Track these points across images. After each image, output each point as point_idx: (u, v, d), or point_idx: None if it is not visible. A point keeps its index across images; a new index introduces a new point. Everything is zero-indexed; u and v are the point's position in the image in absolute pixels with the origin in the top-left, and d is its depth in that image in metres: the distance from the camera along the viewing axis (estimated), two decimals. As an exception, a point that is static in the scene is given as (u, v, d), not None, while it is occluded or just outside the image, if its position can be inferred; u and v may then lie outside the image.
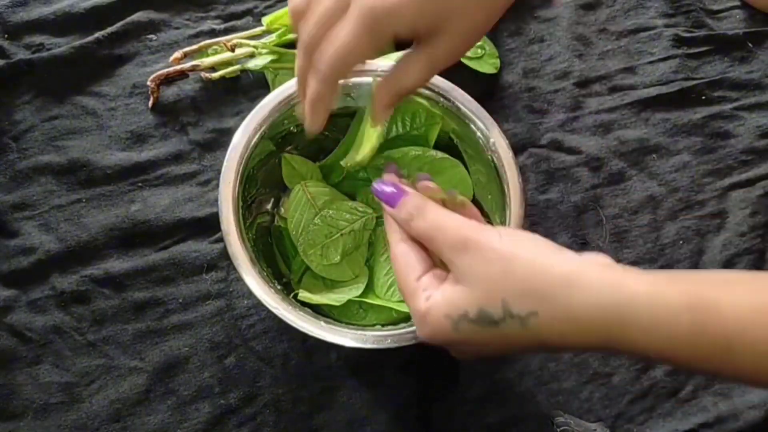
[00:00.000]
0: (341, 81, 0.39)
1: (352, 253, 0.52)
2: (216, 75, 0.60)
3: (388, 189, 0.38)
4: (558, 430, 0.50)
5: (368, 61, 0.49)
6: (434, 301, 0.34)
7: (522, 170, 0.55)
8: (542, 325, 0.31)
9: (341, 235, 0.51)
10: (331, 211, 0.52)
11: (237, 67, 0.60)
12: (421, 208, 0.36)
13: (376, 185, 0.39)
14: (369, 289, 0.52)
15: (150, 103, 0.60)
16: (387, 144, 0.54)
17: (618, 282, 0.30)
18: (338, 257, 0.51)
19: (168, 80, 0.60)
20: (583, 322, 0.30)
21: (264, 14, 0.63)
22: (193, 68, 0.60)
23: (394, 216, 0.38)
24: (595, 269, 0.31)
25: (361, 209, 0.52)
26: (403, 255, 0.37)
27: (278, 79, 0.59)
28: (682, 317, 0.29)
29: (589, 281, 0.31)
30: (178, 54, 0.60)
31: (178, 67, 0.60)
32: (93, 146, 0.58)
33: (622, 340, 0.30)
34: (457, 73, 0.62)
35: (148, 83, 0.59)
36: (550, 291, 0.31)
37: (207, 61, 0.60)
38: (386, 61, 0.49)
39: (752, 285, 0.30)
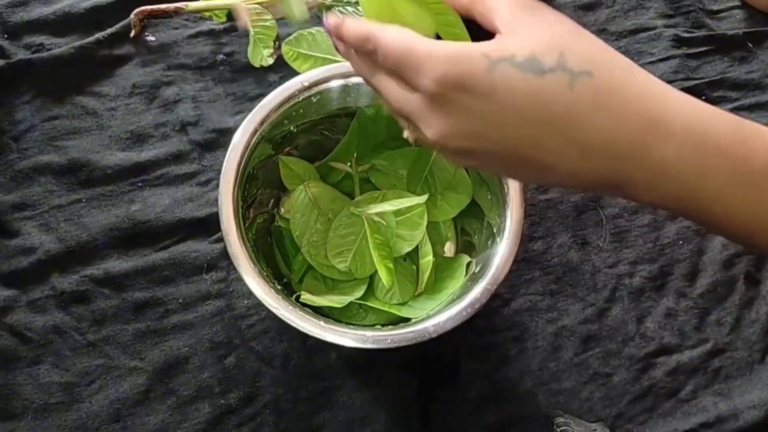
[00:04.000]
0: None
1: (355, 253, 0.52)
2: (192, 7, 0.60)
3: None
4: (558, 430, 0.50)
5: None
6: (470, 44, 0.28)
7: (522, 170, 0.55)
8: (590, 91, 0.27)
9: (345, 235, 0.51)
10: (334, 212, 0.52)
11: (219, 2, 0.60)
12: None
13: None
14: (370, 291, 0.52)
15: (132, 34, 0.61)
16: (387, 144, 0.54)
17: (672, 88, 0.29)
18: (342, 258, 0.51)
19: (152, 17, 0.61)
20: (632, 102, 0.27)
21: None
22: (177, 10, 0.60)
23: None
24: (654, 78, 0.29)
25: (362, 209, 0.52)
26: (390, 26, 0.30)
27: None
28: (725, 124, 0.28)
29: (648, 74, 0.28)
30: None
31: (162, 6, 0.60)
32: (93, 146, 0.58)
33: (659, 137, 0.27)
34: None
35: (132, 16, 0.60)
36: (612, 61, 0.28)
37: (192, 4, 0.60)
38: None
39: None
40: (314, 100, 0.49)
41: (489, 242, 0.48)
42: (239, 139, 0.47)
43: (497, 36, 0.28)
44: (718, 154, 0.28)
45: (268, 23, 0.60)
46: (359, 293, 0.51)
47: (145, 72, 0.61)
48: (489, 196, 0.50)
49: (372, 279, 0.53)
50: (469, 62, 0.27)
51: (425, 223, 0.51)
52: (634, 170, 0.28)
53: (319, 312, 0.48)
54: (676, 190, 0.28)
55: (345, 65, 0.49)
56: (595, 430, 0.51)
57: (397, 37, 0.29)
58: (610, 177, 0.28)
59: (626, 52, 0.64)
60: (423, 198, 0.50)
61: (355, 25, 0.31)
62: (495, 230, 0.47)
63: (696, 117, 0.28)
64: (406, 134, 0.35)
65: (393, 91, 0.31)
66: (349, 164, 0.55)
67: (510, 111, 0.27)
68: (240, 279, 0.45)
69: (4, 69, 0.60)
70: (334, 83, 0.49)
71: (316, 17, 0.63)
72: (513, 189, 0.46)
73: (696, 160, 0.27)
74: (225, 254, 0.53)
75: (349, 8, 0.59)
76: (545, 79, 0.27)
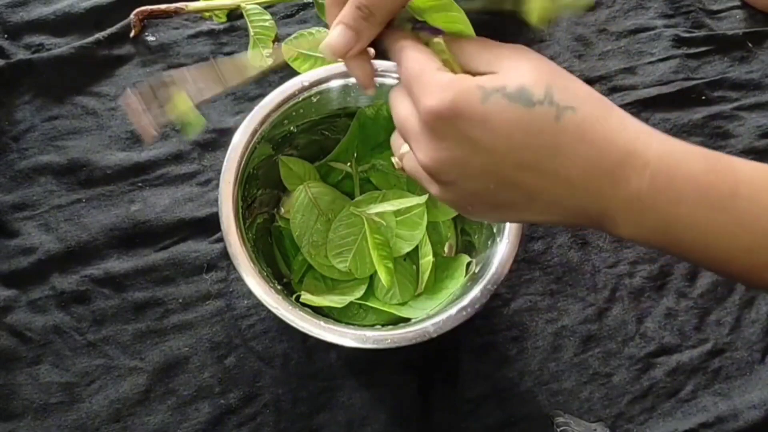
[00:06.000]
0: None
1: (355, 253, 0.52)
2: (192, 7, 0.60)
3: None
4: (558, 430, 0.50)
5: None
6: (467, 76, 0.31)
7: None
8: (574, 124, 0.29)
9: (345, 235, 0.51)
10: (334, 212, 0.52)
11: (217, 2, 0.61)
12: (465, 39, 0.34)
13: None
14: (370, 291, 0.52)
15: (132, 34, 0.61)
16: (387, 144, 0.54)
17: (646, 125, 0.30)
18: (342, 258, 0.51)
19: (152, 17, 0.61)
20: (610, 134, 0.29)
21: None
22: (177, 10, 0.60)
23: (439, 41, 0.34)
24: (630, 115, 0.31)
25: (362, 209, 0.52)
26: (420, 49, 0.33)
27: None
28: (696, 155, 0.30)
29: (626, 114, 0.30)
30: None
31: (162, 6, 0.60)
32: (93, 146, 0.58)
33: (635, 167, 0.29)
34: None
35: (132, 16, 0.61)
36: (592, 98, 0.30)
37: (192, 4, 0.60)
38: (387, 62, 0.49)
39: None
40: (314, 100, 0.49)
41: (489, 242, 0.48)
42: (239, 139, 0.47)
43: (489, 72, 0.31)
44: (689, 182, 0.29)
45: (267, 23, 0.60)
46: (359, 293, 0.51)
47: (145, 72, 0.61)
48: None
49: (372, 279, 0.53)
50: (466, 92, 0.29)
51: (425, 223, 0.51)
52: (612, 200, 0.30)
53: (319, 312, 0.48)
54: (652, 220, 0.30)
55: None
56: (595, 430, 0.51)
57: (415, 58, 0.32)
58: (589, 209, 0.30)
59: (626, 52, 0.64)
60: (423, 198, 0.50)
61: (395, 34, 0.34)
62: (495, 230, 0.47)
63: (668, 148, 0.30)
64: (395, 161, 0.37)
65: (401, 107, 0.33)
66: (349, 164, 0.55)
67: (500, 137, 0.29)
68: (240, 279, 0.45)
69: (4, 69, 0.60)
70: (334, 83, 0.49)
71: (316, 17, 0.63)
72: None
73: (668, 188, 0.29)
74: (225, 254, 0.54)
75: None
76: (534, 110, 0.29)
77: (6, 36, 0.62)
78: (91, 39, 0.61)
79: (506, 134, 0.29)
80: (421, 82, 0.31)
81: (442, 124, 0.30)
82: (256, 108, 0.48)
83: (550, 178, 0.30)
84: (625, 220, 0.30)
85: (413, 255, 0.53)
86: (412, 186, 0.54)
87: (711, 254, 0.31)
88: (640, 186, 0.29)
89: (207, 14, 0.62)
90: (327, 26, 0.60)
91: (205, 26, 0.63)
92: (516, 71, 0.30)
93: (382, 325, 0.48)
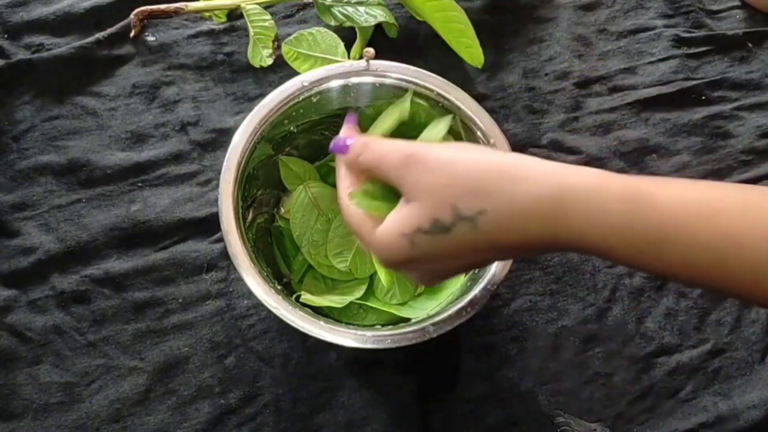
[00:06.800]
0: None
1: (355, 254, 0.52)
2: (192, 7, 0.60)
3: (341, 140, 0.39)
4: (558, 430, 0.50)
5: (370, 61, 0.49)
6: (389, 223, 0.35)
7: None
8: (491, 222, 0.31)
9: (345, 235, 0.51)
10: (334, 212, 0.52)
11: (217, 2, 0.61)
12: (366, 143, 0.38)
13: (332, 142, 0.40)
14: (370, 291, 0.52)
15: (132, 34, 0.61)
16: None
17: (560, 172, 0.31)
18: (342, 258, 0.51)
19: (152, 17, 0.61)
20: (528, 214, 0.31)
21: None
22: (177, 10, 0.60)
23: (344, 160, 0.39)
24: (537, 161, 0.32)
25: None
26: (356, 208, 0.38)
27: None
28: (615, 205, 0.30)
29: (532, 173, 0.31)
30: None
31: (162, 6, 0.60)
32: (93, 146, 0.58)
33: (565, 231, 0.31)
34: (458, 72, 0.62)
35: (132, 16, 0.61)
36: (495, 186, 0.32)
37: (192, 4, 0.60)
38: (387, 62, 0.49)
39: (690, 184, 0.31)
40: (314, 100, 0.49)
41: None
42: (239, 139, 0.47)
43: (401, 205, 0.35)
44: (613, 237, 0.30)
45: (267, 23, 0.60)
46: (359, 293, 0.51)
47: (145, 72, 0.61)
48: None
49: (372, 279, 0.53)
50: (395, 246, 0.34)
51: None
52: (554, 249, 0.33)
53: (319, 312, 0.48)
54: (598, 251, 0.31)
55: (345, 65, 0.49)
56: (595, 430, 0.51)
57: (352, 216, 0.37)
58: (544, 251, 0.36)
59: (626, 52, 0.64)
60: None
61: (344, 175, 0.39)
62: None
63: (587, 207, 0.30)
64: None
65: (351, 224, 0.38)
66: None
67: (439, 262, 0.35)
68: (240, 279, 0.45)
69: (4, 69, 0.60)
70: (334, 83, 0.49)
71: (316, 17, 0.63)
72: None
73: (597, 243, 0.31)
74: (225, 254, 0.54)
75: (349, 8, 0.59)
76: (453, 233, 0.32)
77: (6, 36, 0.62)
78: (91, 39, 0.61)
79: (447, 256, 0.34)
80: (362, 238, 0.37)
81: (400, 269, 0.37)
82: (256, 108, 0.48)
83: (503, 257, 0.41)
84: (579, 252, 0.34)
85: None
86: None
87: (668, 276, 0.32)
88: (571, 243, 0.31)
89: (207, 14, 0.62)
90: (327, 26, 0.60)
91: (205, 26, 0.63)
92: (422, 201, 0.33)
93: (382, 325, 0.48)
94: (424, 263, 0.35)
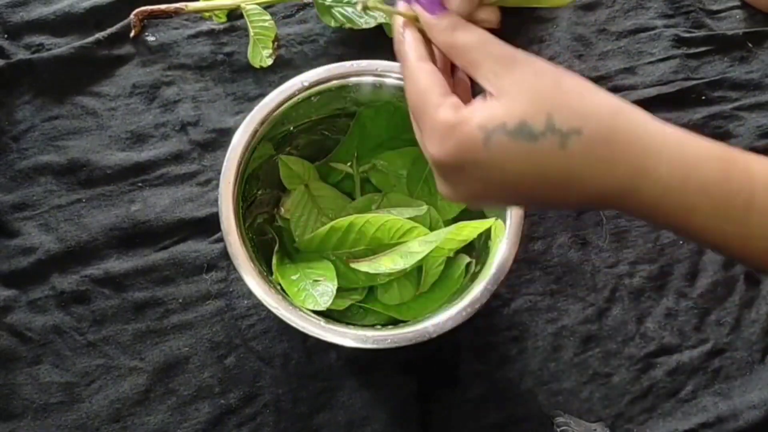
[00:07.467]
0: None
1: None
2: (192, 7, 0.60)
3: None
4: (558, 430, 0.50)
5: (369, 61, 0.49)
6: (467, 112, 0.30)
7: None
8: (581, 146, 0.29)
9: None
10: (334, 212, 0.52)
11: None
12: (467, 24, 0.32)
13: None
14: (370, 293, 0.52)
15: (132, 34, 0.61)
16: (387, 144, 0.54)
17: (658, 122, 0.30)
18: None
19: (152, 17, 0.61)
20: (620, 155, 0.29)
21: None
22: (177, 10, 0.60)
23: (433, 25, 0.32)
24: (637, 109, 0.30)
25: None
26: (428, 72, 0.32)
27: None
28: (711, 162, 0.29)
29: (634, 114, 0.30)
30: None
31: (162, 6, 0.60)
32: (93, 146, 0.58)
33: (650, 185, 0.29)
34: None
35: (132, 16, 0.60)
36: (597, 111, 0.29)
37: (192, 4, 0.60)
38: (387, 62, 0.49)
39: None
40: (314, 100, 0.49)
41: (489, 242, 0.48)
42: (239, 139, 0.47)
43: (487, 99, 0.30)
44: (702, 194, 0.29)
45: (267, 23, 0.60)
46: (360, 296, 0.51)
47: (145, 72, 0.61)
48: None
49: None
50: (467, 139, 0.29)
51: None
52: (626, 205, 0.30)
53: (319, 312, 0.48)
54: (665, 221, 0.30)
55: (345, 65, 0.49)
56: (595, 430, 0.51)
57: (417, 81, 0.32)
58: (606, 207, 0.32)
59: (626, 52, 0.64)
60: (422, 209, 0.50)
61: (414, 37, 0.33)
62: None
63: (680, 157, 0.29)
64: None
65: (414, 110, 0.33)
66: (349, 164, 0.55)
67: (509, 174, 0.30)
68: (240, 279, 0.45)
69: (4, 69, 0.60)
70: (334, 83, 0.49)
71: (316, 17, 0.63)
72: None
73: (681, 200, 0.29)
74: (225, 254, 0.53)
75: (349, 9, 0.59)
76: (537, 143, 0.29)
77: (6, 36, 0.62)
78: (91, 39, 0.61)
79: (515, 171, 0.30)
80: (423, 121, 0.31)
81: (450, 170, 0.31)
82: (256, 108, 0.48)
83: (562, 201, 0.31)
84: (641, 216, 0.31)
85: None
86: (412, 186, 0.54)
87: (727, 252, 0.31)
88: (653, 195, 0.29)
89: (207, 14, 0.62)
90: (328, 26, 0.60)
91: (205, 26, 0.63)
92: (515, 100, 0.29)
93: (382, 325, 0.48)
94: (481, 171, 0.30)
